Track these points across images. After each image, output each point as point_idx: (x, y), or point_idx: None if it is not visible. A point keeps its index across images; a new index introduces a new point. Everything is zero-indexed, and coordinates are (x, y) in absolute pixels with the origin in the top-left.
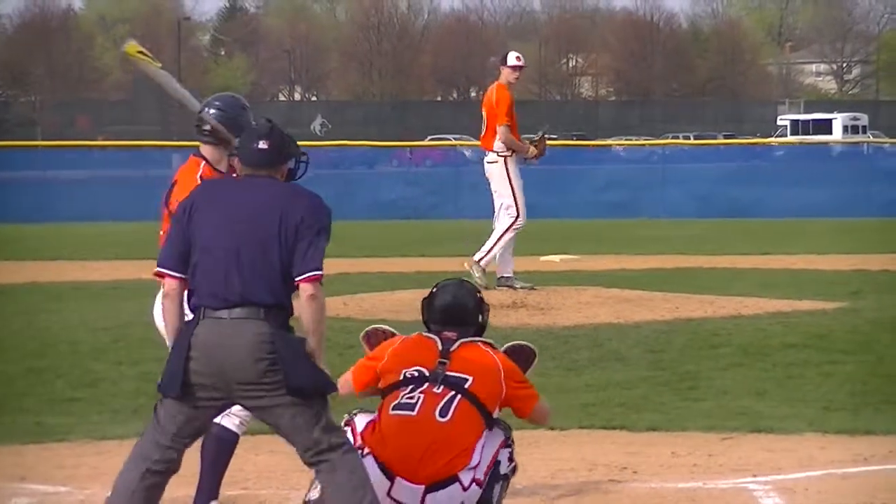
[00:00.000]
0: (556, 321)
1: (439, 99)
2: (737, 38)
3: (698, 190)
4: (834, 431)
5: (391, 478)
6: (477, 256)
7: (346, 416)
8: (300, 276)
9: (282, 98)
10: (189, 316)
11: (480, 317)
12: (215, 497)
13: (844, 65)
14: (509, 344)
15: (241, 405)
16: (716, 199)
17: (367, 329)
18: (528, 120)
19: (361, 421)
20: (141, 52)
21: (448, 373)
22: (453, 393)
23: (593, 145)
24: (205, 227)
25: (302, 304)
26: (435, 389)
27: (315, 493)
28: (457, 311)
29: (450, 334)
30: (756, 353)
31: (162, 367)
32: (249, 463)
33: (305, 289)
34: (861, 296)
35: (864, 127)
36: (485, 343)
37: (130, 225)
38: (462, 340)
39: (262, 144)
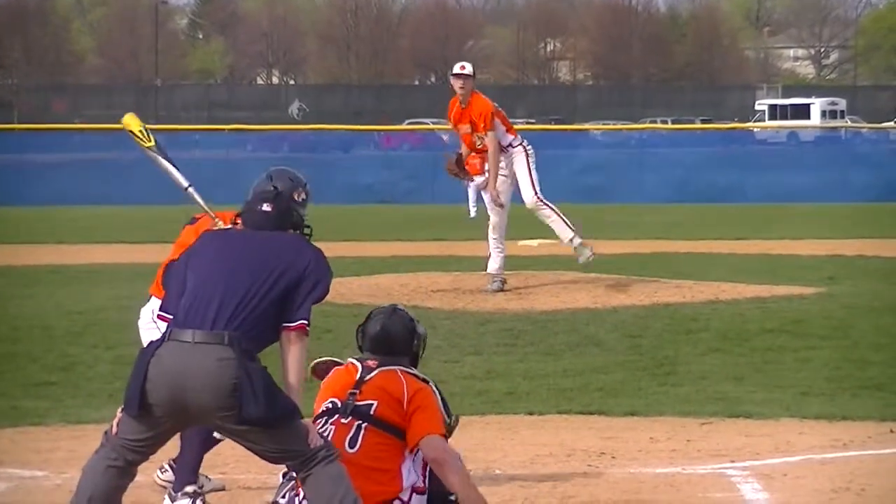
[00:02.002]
0: (533, 306)
1: (417, 83)
2: (715, 22)
3: (676, 175)
4: (812, 417)
5: None
6: (573, 242)
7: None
8: (290, 323)
9: (259, 81)
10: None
11: (413, 346)
12: (193, 482)
13: (822, 49)
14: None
15: (174, 429)
16: (693, 184)
17: (315, 361)
18: (506, 104)
19: None
20: (140, 131)
21: (357, 403)
22: (359, 422)
23: (571, 130)
24: (199, 264)
25: (286, 346)
26: (343, 420)
27: (282, 501)
28: (385, 340)
29: (371, 363)
30: (734, 338)
31: (137, 350)
32: (227, 447)
33: (288, 336)
34: (837, 281)
35: (842, 112)
36: (404, 372)
37: (106, 209)
38: (381, 369)
39: (266, 207)
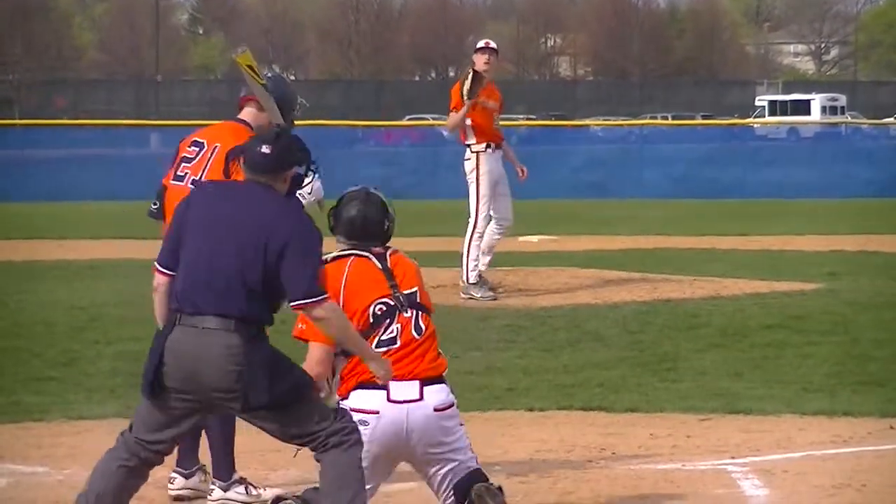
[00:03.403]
0: (534, 302)
1: (417, 78)
2: (715, 18)
3: (676, 170)
4: (812, 413)
5: (384, 387)
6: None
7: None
8: (293, 303)
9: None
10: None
11: (386, 227)
12: (234, 469)
13: (823, 45)
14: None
15: (222, 412)
16: (694, 180)
17: None
18: (507, 99)
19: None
20: (250, 66)
21: (404, 293)
22: (415, 311)
23: (571, 125)
24: (193, 230)
25: (318, 327)
26: (405, 314)
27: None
28: (362, 225)
29: (378, 250)
30: (734, 334)
31: (139, 346)
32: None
33: (314, 313)
34: (838, 277)
35: (842, 108)
36: (399, 252)
37: (107, 204)
38: (390, 253)
39: (265, 149)
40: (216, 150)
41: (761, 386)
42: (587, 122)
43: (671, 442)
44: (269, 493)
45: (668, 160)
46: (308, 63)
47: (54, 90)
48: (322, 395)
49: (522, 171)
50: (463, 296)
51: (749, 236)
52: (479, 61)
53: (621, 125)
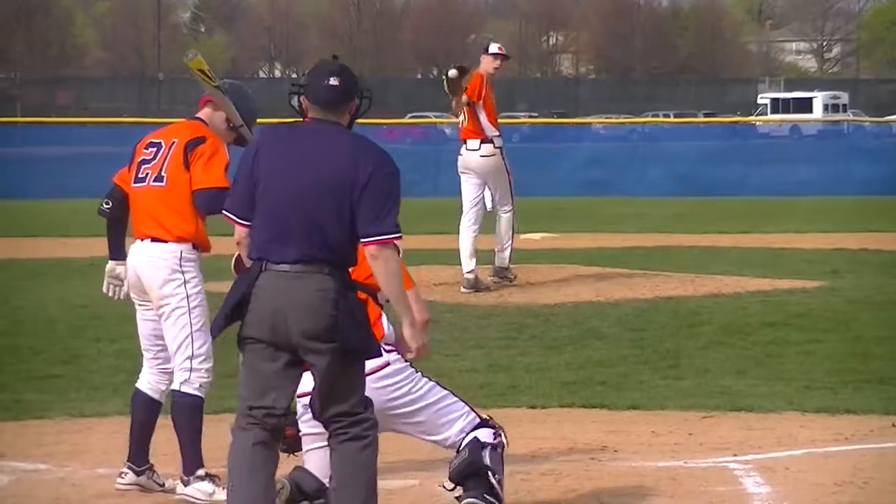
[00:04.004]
0: (536, 299)
1: (419, 76)
2: (717, 16)
3: (678, 168)
4: (814, 410)
5: None
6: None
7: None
8: (366, 237)
9: (262, 75)
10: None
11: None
12: (201, 465)
13: (825, 43)
14: None
15: (299, 355)
16: (696, 178)
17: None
18: (509, 97)
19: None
20: (202, 71)
21: None
22: None
23: (573, 123)
24: (269, 174)
25: (373, 264)
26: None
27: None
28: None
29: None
30: (736, 331)
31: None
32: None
33: (368, 250)
34: (840, 274)
35: (844, 105)
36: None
37: None
38: None
39: (334, 81)
40: (174, 146)
41: (763, 383)
42: (589, 119)
43: (673, 439)
44: (172, 484)
45: (670, 158)
46: (310, 61)
47: (57, 88)
48: None
49: None
50: (464, 290)
51: (751, 234)
52: (490, 65)
53: (623, 123)
